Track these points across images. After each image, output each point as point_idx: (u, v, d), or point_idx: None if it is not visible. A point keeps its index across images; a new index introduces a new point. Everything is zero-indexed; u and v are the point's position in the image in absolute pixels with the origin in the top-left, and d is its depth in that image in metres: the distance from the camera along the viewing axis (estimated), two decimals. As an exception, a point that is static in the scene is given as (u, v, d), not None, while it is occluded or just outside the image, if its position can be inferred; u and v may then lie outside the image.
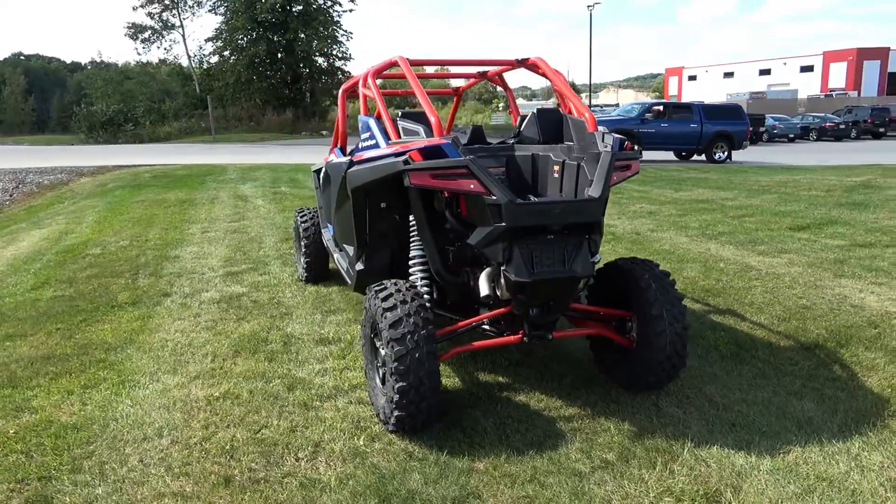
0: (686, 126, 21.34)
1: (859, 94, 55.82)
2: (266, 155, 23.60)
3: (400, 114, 3.90)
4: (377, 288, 3.43)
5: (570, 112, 4.18)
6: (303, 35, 40.70)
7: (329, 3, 42.39)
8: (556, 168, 3.86)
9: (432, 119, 3.51)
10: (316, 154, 23.54)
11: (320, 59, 43.10)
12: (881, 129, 36.33)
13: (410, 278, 3.88)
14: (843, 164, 18.34)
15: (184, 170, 17.47)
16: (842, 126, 35.63)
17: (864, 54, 62.49)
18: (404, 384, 3.13)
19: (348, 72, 44.13)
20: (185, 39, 51.40)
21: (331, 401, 3.79)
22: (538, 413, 3.62)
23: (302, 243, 6.17)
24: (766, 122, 32.65)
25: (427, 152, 3.27)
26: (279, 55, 42.05)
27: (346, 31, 43.31)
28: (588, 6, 48.57)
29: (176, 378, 4.15)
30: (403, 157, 3.28)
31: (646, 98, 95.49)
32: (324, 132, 38.52)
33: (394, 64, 4.07)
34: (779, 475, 3.01)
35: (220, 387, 4.00)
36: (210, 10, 42.91)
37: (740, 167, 19.06)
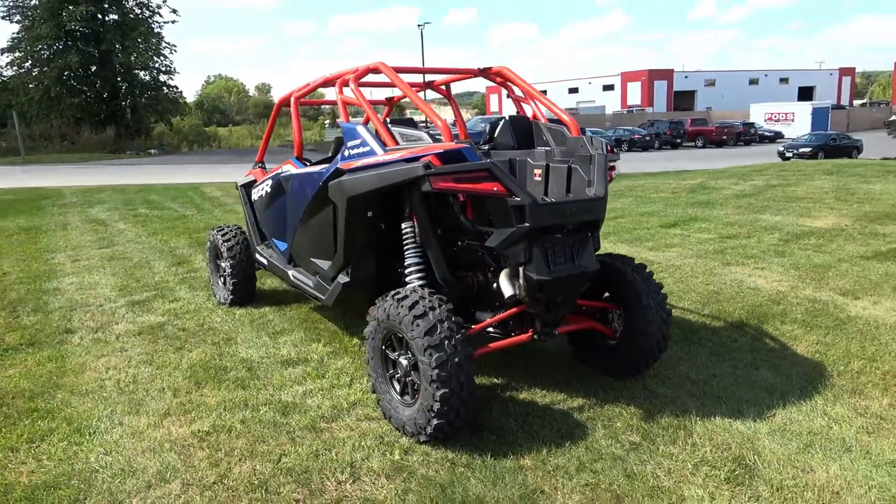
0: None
1: (653, 110, 63.04)
2: (98, 176, 21.39)
3: (388, 121, 3.82)
4: (398, 297, 3.33)
5: (534, 118, 4.37)
6: (120, 47, 37.50)
7: (148, 14, 39.56)
8: (538, 172, 4.01)
9: (439, 123, 3.50)
10: (156, 174, 21.85)
11: (142, 73, 39.95)
12: (678, 140, 41.35)
13: (408, 287, 3.80)
14: (667, 171, 20.62)
15: (9, 194, 15.30)
16: (647, 138, 39.98)
17: (654, 75, 70.69)
18: (446, 391, 3.08)
19: (175, 86, 41.43)
20: (-30, 49, 44.94)
21: (337, 421, 3.61)
22: (550, 407, 3.73)
23: (226, 264, 5.74)
24: (586, 134, 35.77)
25: (447, 156, 3.27)
26: (93, 68, 38.34)
27: (168, 44, 40.68)
28: (419, 25, 50.01)
29: (143, 418, 3.70)
30: (424, 162, 3.24)
31: (467, 116, 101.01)
32: (152, 151, 35.74)
33: (373, 70, 3.98)
34: (777, 436, 3.37)
35: (203, 421, 3.64)
36: (3, 17, 37.84)
37: (582, 175, 20.64)
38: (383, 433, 3.44)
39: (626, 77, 72.38)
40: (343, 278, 4.05)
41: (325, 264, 4.27)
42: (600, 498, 2.86)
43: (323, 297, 4.29)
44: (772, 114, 49.45)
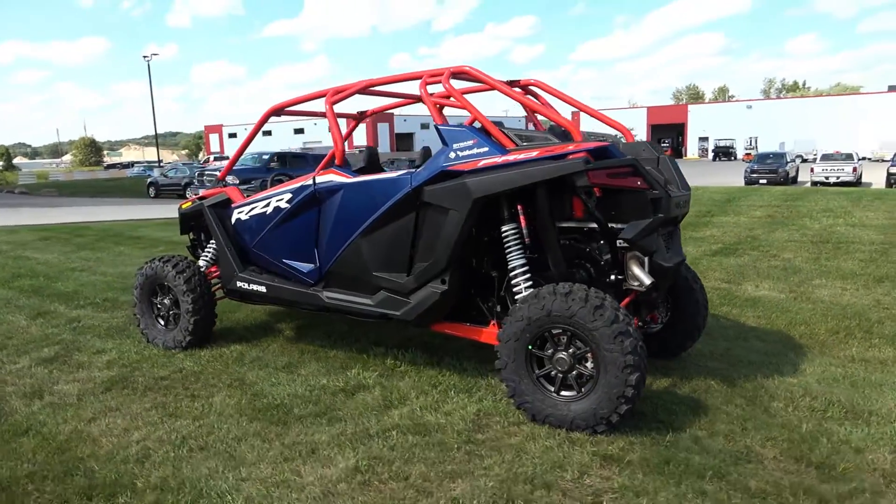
0: (304, 171, 22.86)
1: (379, 151, 66.70)
2: None
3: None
4: (562, 291, 3.34)
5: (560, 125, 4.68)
6: None
7: None
8: None
9: (564, 122, 3.64)
10: None
11: None
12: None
13: (515, 288, 3.79)
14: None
15: None
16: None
17: (377, 118, 74.93)
18: (639, 374, 3.21)
19: None
20: None
21: (487, 431, 3.45)
22: (650, 389, 3.99)
23: (187, 298, 4.88)
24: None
25: (596, 153, 3.43)
26: None
27: None
28: (145, 56, 46.03)
29: (263, 468, 3.11)
30: (583, 158, 3.35)
31: (174, 157, 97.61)
32: None
33: (459, 72, 3.90)
34: (826, 384, 4.11)
35: (344, 457, 3.19)
36: None
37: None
38: (548, 433, 3.38)
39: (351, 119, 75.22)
40: (439, 286, 3.84)
41: (399, 277, 3.99)
42: (792, 447, 3.23)
43: (398, 313, 3.99)
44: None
